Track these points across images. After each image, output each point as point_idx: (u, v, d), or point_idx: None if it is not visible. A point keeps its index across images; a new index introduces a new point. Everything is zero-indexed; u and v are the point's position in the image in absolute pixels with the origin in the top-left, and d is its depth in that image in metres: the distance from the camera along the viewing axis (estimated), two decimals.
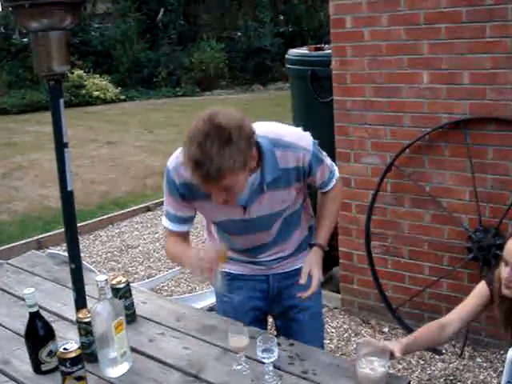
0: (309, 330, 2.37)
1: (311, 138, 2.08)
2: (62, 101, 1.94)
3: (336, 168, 2.28)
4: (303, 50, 4.71)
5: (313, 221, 2.38)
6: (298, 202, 2.20)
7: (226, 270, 2.32)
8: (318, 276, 2.15)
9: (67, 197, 2.04)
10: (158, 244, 5.72)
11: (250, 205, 2.05)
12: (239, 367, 1.92)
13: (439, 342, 2.28)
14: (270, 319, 2.59)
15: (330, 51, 3.88)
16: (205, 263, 1.90)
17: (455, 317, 2.16)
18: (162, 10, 17.88)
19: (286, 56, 4.74)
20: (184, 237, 2.21)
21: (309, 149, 2.04)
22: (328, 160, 2.19)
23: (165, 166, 2.09)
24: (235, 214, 2.07)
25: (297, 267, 2.30)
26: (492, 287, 2.14)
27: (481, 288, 2.19)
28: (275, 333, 2.47)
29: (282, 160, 1.99)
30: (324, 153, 2.17)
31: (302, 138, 2.07)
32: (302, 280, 2.14)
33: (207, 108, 1.81)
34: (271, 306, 2.40)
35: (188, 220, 2.17)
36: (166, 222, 2.20)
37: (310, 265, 2.18)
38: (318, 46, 4.71)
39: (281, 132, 2.04)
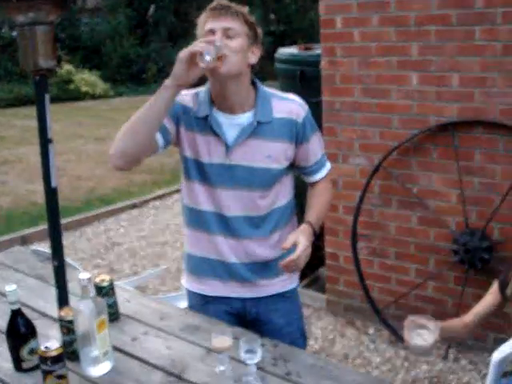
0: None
1: (306, 105, 2.15)
2: (47, 96, 1.92)
3: (328, 162, 2.27)
4: (293, 50, 4.69)
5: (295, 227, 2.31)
6: (285, 191, 2.16)
7: (198, 291, 2.27)
8: (303, 242, 1.98)
9: (51, 193, 2.02)
10: (143, 242, 5.70)
11: (234, 146, 2.03)
12: (222, 368, 1.91)
13: (462, 335, 2.29)
14: None
15: (319, 51, 3.88)
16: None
17: (473, 311, 2.18)
18: (153, 6, 17.81)
19: (276, 55, 4.72)
20: None
21: (304, 106, 2.12)
22: (321, 140, 2.23)
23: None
24: (218, 154, 2.05)
25: (275, 292, 2.24)
26: (502, 287, 2.15)
27: (495, 287, 2.20)
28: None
29: (276, 109, 2.06)
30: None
31: (300, 98, 2.14)
32: (286, 245, 2.00)
33: None
34: (248, 329, 2.22)
35: (163, 130, 2.03)
36: None
37: (297, 234, 2.03)
38: (308, 45, 4.70)
39: (279, 91, 2.15)
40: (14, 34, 15.08)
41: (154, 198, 6.94)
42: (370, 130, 3.67)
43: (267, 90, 2.11)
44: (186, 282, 2.35)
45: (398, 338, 3.71)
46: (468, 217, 3.41)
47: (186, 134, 2.08)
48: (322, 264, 4.17)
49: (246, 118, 2.04)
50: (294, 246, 1.99)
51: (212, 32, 1.94)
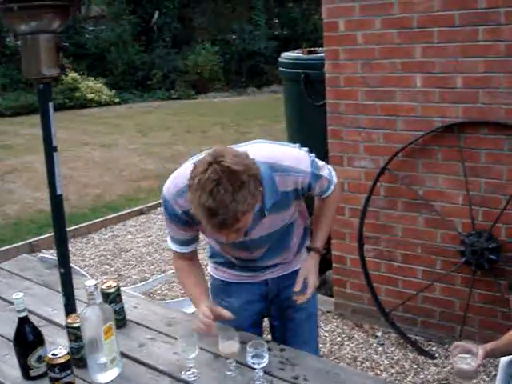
0: (305, 330, 2.40)
1: (309, 158, 2.04)
2: (51, 104, 1.93)
3: (334, 174, 2.23)
4: (296, 53, 4.70)
5: (308, 221, 2.37)
6: (295, 215, 2.21)
7: (223, 278, 2.35)
8: (313, 283, 2.16)
9: (57, 201, 2.04)
10: (150, 247, 5.70)
11: (250, 231, 2.02)
12: (229, 373, 1.91)
13: None
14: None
15: (323, 54, 3.88)
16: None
17: None
18: (157, 12, 17.87)
19: (280, 59, 4.73)
20: (192, 255, 2.21)
21: (307, 171, 2.01)
22: (325, 171, 2.15)
23: (162, 194, 2.11)
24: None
25: (295, 268, 2.31)
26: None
27: None
28: (270, 335, 2.48)
29: (281, 184, 1.96)
30: (321, 164, 2.13)
31: (301, 160, 2.01)
32: (297, 287, 2.14)
33: (208, 153, 1.76)
34: (269, 307, 2.41)
35: (194, 240, 2.17)
36: (172, 246, 2.18)
37: (307, 271, 2.18)
38: (312, 49, 4.71)
39: (279, 156, 1.98)
40: (19, 42, 15.16)
41: (161, 204, 6.94)
42: (375, 132, 3.67)
43: (268, 164, 1.92)
44: (211, 269, 2.43)
45: (405, 340, 3.70)
46: (474, 218, 3.39)
47: (202, 228, 2.07)
48: (329, 267, 4.17)
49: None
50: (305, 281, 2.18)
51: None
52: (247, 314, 2.33)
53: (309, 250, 2.28)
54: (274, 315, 2.44)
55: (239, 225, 1.74)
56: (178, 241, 2.14)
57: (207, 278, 2.38)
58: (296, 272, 2.27)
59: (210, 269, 2.43)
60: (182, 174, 1.95)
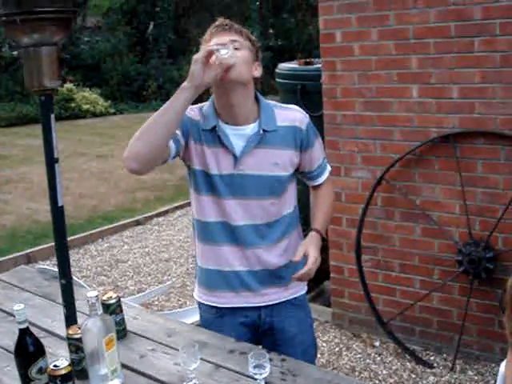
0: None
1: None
2: (52, 116, 1.94)
3: (328, 164, 2.34)
4: (293, 65, 4.73)
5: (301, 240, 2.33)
6: (289, 199, 2.20)
7: (212, 303, 2.26)
8: (313, 255, 2.08)
9: (58, 212, 2.03)
10: (147, 258, 5.70)
11: (242, 156, 2.07)
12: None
13: None
14: None
15: (319, 65, 3.91)
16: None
17: None
18: (152, 23, 17.92)
19: (276, 70, 4.76)
20: None
21: (306, 115, 2.18)
22: (322, 144, 2.29)
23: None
24: (226, 165, 2.08)
25: (290, 297, 2.27)
26: (501, 302, 2.13)
27: None
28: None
29: (279, 117, 2.12)
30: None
31: (300, 109, 2.21)
32: (297, 257, 2.09)
33: None
34: (261, 340, 2.31)
35: (175, 138, 2.06)
36: None
37: (306, 245, 2.13)
38: (308, 60, 4.73)
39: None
40: (15, 53, 15.18)
41: (157, 215, 6.95)
42: (372, 142, 3.69)
43: (269, 102, 2.18)
44: (198, 295, 2.33)
45: (404, 349, 3.71)
46: (471, 227, 3.41)
47: (195, 146, 2.11)
48: (326, 277, 4.17)
49: (251, 128, 2.09)
50: (305, 256, 2.09)
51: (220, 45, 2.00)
52: (240, 332, 2.24)
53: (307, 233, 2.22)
54: (265, 348, 2.28)
55: (237, 37, 2.07)
56: None
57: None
58: (290, 301, 2.26)
59: (198, 296, 2.33)
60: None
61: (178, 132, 2.06)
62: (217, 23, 2.10)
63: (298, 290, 2.32)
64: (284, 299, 2.27)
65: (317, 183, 2.31)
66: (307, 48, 17.41)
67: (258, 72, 2.11)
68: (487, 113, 3.28)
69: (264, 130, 2.08)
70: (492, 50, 3.19)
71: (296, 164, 2.18)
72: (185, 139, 2.10)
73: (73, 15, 1.84)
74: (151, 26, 17.93)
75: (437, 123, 3.44)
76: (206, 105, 2.16)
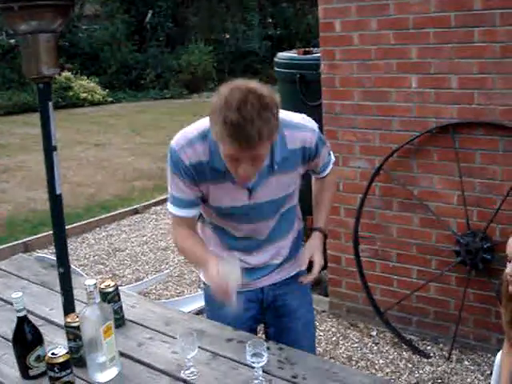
0: (302, 339, 2.34)
1: (314, 122, 2.12)
2: (50, 104, 1.93)
3: (332, 152, 2.30)
4: (292, 54, 4.71)
5: (302, 224, 2.37)
6: (295, 196, 2.20)
7: None
8: (319, 261, 2.17)
9: (56, 200, 2.03)
10: (145, 247, 5.70)
11: (256, 188, 2.01)
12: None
13: None
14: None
15: (318, 55, 3.89)
16: (227, 289, 1.89)
17: None
18: (151, 12, 17.85)
19: (275, 59, 4.74)
20: (192, 223, 2.14)
21: (314, 129, 2.08)
22: (327, 142, 2.22)
23: (169, 147, 1.99)
24: (240, 198, 2.03)
25: (290, 275, 2.31)
26: (498, 292, 2.14)
27: None
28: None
29: (290, 140, 2.00)
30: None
31: (308, 120, 2.09)
32: (303, 265, 2.17)
33: (230, 83, 1.77)
34: (265, 314, 2.37)
35: (196, 203, 2.06)
36: (173, 209, 2.08)
37: (312, 250, 2.20)
38: (307, 49, 4.71)
39: (288, 114, 2.05)
40: (12, 41, 15.11)
41: (155, 204, 6.94)
42: (371, 132, 3.68)
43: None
44: (204, 275, 2.33)
45: (400, 339, 3.72)
46: (469, 218, 3.41)
47: (204, 185, 2.01)
48: (324, 267, 4.17)
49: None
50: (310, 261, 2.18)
51: (236, 160, 1.81)
52: (242, 321, 2.27)
53: (312, 230, 2.28)
54: (269, 322, 2.40)
55: (260, 148, 1.75)
56: (180, 202, 2.04)
57: (201, 286, 2.35)
58: (291, 278, 2.29)
59: (202, 275, 2.34)
60: (191, 127, 2.00)
61: (192, 193, 2.02)
62: (237, 133, 1.69)
63: (298, 265, 2.32)
64: (287, 276, 2.32)
65: (321, 176, 2.31)
66: (306, 37, 17.37)
67: (277, 129, 1.85)
68: (486, 103, 3.27)
69: (277, 162, 1.99)
70: (492, 40, 3.18)
71: (302, 173, 2.17)
72: (197, 187, 2.01)
73: (71, 2, 1.83)
74: (149, 15, 17.86)
75: (436, 113, 3.43)
76: (209, 133, 1.89)
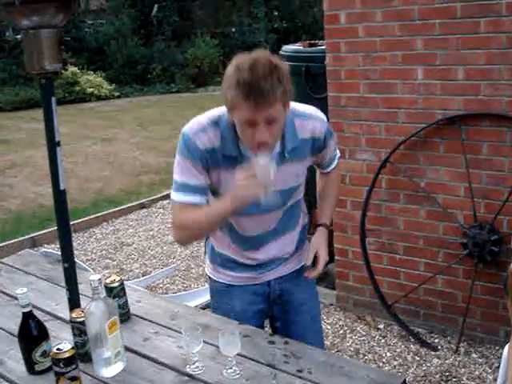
0: (309, 333, 2.35)
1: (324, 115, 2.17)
2: (53, 99, 1.93)
3: (338, 149, 2.35)
4: (297, 46, 4.69)
5: (306, 219, 2.37)
6: (301, 189, 2.21)
7: (224, 281, 2.30)
8: (324, 257, 2.22)
9: (60, 196, 2.03)
10: (152, 241, 5.71)
11: None
12: (230, 371, 1.90)
13: None
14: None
15: (324, 47, 3.87)
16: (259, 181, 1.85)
17: None
18: (156, 6, 17.83)
19: (280, 52, 4.72)
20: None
21: (324, 120, 2.13)
22: (335, 135, 2.26)
23: (182, 133, 1.98)
24: None
25: (295, 268, 2.32)
26: (505, 285, 2.13)
27: None
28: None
29: (300, 130, 2.04)
30: None
31: (318, 111, 2.14)
32: (308, 260, 2.22)
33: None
34: (272, 308, 2.38)
35: (203, 190, 2.01)
36: (176, 196, 2.00)
37: (317, 245, 2.24)
38: (312, 41, 4.69)
39: (299, 104, 2.08)
40: (19, 37, 15.14)
41: (162, 198, 6.94)
42: (377, 124, 3.66)
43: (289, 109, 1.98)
44: (211, 273, 2.37)
45: (408, 332, 3.71)
46: (476, 210, 3.40)
47: (215, 172, 2.01)
48: (331, 260, 4.17)
49: (274, 148, 1.98)
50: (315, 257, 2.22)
51: (252, 123, 1.81)
52: (249, 316, 2.29)
53: (316, 226, 2.31)
54: (276, 316, 2.41)
55: (274, 108, 1.78)
56: (185, 187, 1.98)
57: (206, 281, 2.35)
58: (297, 271, 2.31)
59: (209, 272, 2.36)
60: (203, 115, 2.02)
61: (202, 178, 1.99)
62: (248, 89, 1.74)
63: (304, 258, 2.34)
64: (293, 269, 2.33)
65: (327, 171, 2.33)
66: (312, 30, 17.30)
67: (288, 110, 1.92)
68: (493, 95, 3.25)
69: (288, 151, 2.01)
70: (498, 31, 3.15)
71: (310, 164, 2.19)
72: (207, 172, 2.00)
73: None
74: (155, 9, 17.83)
75: (442, 105, 3.41)
76: (222, 120, 1.97)
